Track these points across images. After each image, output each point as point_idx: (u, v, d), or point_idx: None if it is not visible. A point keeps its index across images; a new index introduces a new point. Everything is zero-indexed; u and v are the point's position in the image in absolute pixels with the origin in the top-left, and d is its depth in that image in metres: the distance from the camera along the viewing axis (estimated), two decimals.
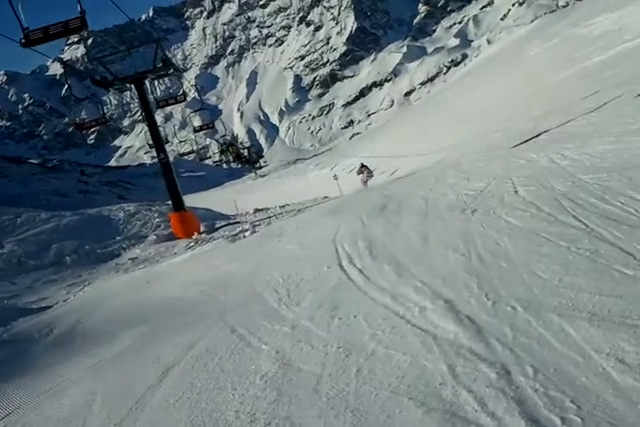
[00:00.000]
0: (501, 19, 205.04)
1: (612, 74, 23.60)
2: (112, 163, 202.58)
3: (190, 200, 18.00)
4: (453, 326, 3.50)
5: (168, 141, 23.40)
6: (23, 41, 9.08)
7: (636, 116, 8.97)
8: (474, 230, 5.59)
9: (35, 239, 14.50)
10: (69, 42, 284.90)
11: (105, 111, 17.16)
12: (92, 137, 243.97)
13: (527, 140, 11.80)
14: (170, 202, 16.57)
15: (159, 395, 3.94)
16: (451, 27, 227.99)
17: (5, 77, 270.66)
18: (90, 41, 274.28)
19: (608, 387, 2.46)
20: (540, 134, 11.99)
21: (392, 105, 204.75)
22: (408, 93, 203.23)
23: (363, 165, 19.47)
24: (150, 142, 16.68)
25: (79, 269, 12.34)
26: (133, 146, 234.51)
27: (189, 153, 40.04)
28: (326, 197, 18.08)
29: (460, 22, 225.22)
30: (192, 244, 12.28)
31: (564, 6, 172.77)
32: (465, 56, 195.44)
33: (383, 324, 3.93)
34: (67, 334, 6.85)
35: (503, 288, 3.89)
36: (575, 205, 5.37)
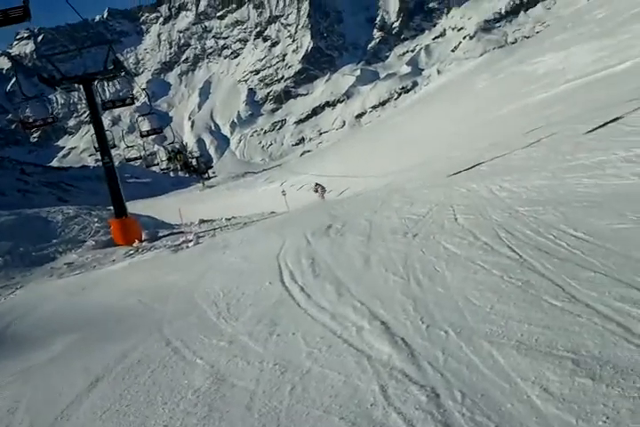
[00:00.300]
0: (452, 50, 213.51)
1: (554, 111, 24.80)
2: (54, 163, 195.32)
3: (134, 207, 17.62)
4: (388, 348, 3.58)
5: (115, 146, 22.87)
6: None
7: (574, 154, 9.47)
8: (414, 254, 5.75)
9: None
10: (19, 37, 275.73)
11: (53, 111, 16.63)
12: (35, 135, 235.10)
13: (469, 169, 12.25)
14: (112, 207, 16.14)
15: (86, 405, 3.83)
16: (403, 54, 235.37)
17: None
18: (40, 38, 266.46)
19: (532, 415, 2.57)
20: (481, 164, 12.47)
21: (343, 126, 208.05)
22: (359, 115, 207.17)
23: (317, 184, 21.13)
24: (96, 145, 16.26)
25: (12, 270, 11.77)
26: (78, 147, 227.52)
27: (136, 159, 39.14)
28: (273, 213, 18.07)
29: (412, 51, 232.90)
30: (132, 251, 11.99)
31: (513, 42, 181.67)
32: (415, 84, 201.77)
33: (320, 342, 3.98)
34: None
35: (438, 312, 4.02)
36: (511, 236, 5.61)
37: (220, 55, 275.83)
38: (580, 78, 37.26)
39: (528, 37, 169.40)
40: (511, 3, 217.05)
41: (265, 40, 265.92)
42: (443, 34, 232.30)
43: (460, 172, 12.18)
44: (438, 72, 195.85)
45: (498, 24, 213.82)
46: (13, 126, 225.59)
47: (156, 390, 3.81)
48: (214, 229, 14.21)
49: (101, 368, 4.50)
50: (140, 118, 20.63)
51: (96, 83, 16.21)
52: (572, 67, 47.15)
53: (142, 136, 19.92)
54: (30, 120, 15.57)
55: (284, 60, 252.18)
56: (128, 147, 34.56)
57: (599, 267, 4.18)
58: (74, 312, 7.18)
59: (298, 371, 3.59)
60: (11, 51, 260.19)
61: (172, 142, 46.13)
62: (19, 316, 7.48)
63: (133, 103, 17.55)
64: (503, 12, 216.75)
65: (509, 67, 70.00)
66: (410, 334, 3.75)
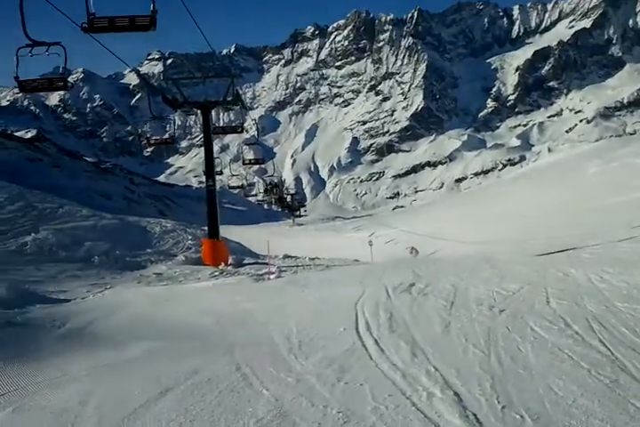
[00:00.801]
0: (567, 131, 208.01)
1: None
2: (161, 178, 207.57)
3: (225, 231, 18.30)
4: (458, 421, 3.48)
5: (221, 172, 24.09)
6: (85, 26, 8.58)
7: None
8: (498, 330, 5.57)
9: (70, 233, 14.90)
10: (150, 57, 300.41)
11: (174, 131, 17.88)
12: (149, 150, 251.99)
13: (568, 250, 11.76)
14: (206, 228, 16.90)
15: (153, 413, 3.97)
16: (515, 127, 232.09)
17: (83, 75, 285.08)
18: (169, 61, 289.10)
19: None
20: (581, 248, 11.94)
21: (441, 187, 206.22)
22: (459, 180, 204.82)
23: (413, 248, 24.14)
24: (204, 168, 17.23)
25: (104, 271, 12.57)
26: (185, 167, 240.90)
27: (237, 187, 40.74)
28: (357, 260, 18.13)
29: (524, 125, 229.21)
30: (217, 273, 12.43)
31: (632, 134, 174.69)
32: (523, 158, 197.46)
33: (388, 400, 3.92)
34: (77, 331, 6.97)
35: (516, 395, 3.86)
36: (604, 330, 5.32)
37: (331, 102, 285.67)
38: None
39: None
40: (635, 94, 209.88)
41: (377, 94, 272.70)
42: (559, 113, 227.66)
43: (559, 251, 11.72)
44: (549, 150, 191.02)
45: (618, 113, 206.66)
46: (131, 138, 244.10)
47: (221, 412, 3.90)
48: (297, 265, 14.45)
49: (172, 380, 4.67)
50: (245, 147, 21.76)
51: (213, 111, 17.24)
52: None
53: (244, 164, 20.73)
54: (153, 137, 16.85)
55: (392, 115, 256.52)
56: (233, 175, 36.07)
57: None
58: (154, 321, 7.52)
59: (361, 423, 3.56)
60: (140, 69, 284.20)
61: (272, 175, 47.78)
62: (102, 315, 7.92)
63: (242, 131, 18.62)
64: (625, 101, 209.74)
65: (624, 157, 67.34)
66: (483, 411, 3.61)
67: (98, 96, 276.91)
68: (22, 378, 5.04)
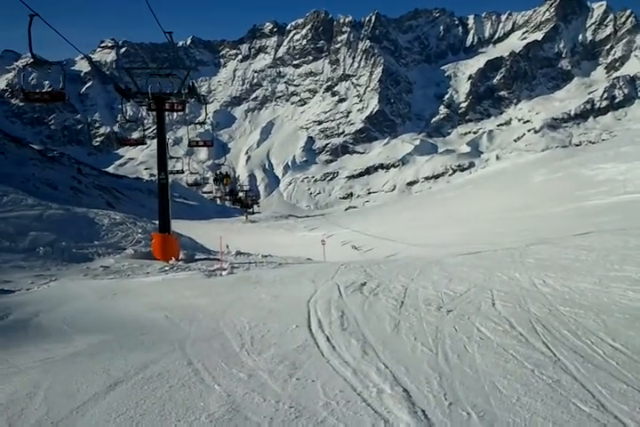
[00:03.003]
0: (515, 140, 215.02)
1: (607, 220, 24.56)
2: (110, 169, 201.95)
3: (176, 226, 18.01)
4: (407, 417, 3.58)
5: (183, 171, 23.65)
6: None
7: (622, 265, 9.37)
8: (445, 330, 5.74)
9: (15, 222, 14.33)
10: (103, 45, 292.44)
11: (145, 134, 17.54)
12: (98, 140, 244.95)
13: (512, 249, 12.16)
14: (157, 221, 16.61)
15: (102, 405, 3.92)
16: (465, 134, 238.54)
17: (32, 60, 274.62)
18: (122, 50, 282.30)
19: None
20: (525, 253, 12.38)
21: (393, 189, 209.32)
22: (411, 183, 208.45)
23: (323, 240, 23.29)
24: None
25: (50, 262, 12.18)
26: (136, 159, 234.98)
27: (195, 184, 39.79)
28: (309, 259, 18.19)
29: (474, 132, 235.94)
30: (167, 268, 12.24)
31: (577, 145, 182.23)
32: (472, 164, 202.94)
33: (339, 396, 4.00)
34: (22, 323, 6.75)
35: (463, 392, 4.00)
36: (547, 333, 5.56)
37: (287, 100, 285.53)
38: None
39: (593, 143, 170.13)
40: (582, 106, 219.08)
41: (333, 95, 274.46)
42: (508, 122, 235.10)
43: (511, 249, 12.11)
44: (497, 158, 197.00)
45: (565, 124, 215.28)
46: (79, 127, 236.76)
47: (172, 406, 3.88)
48: (250, 262, 14.39)
49: (122, 374, 4.61)
50: (191, 127, 21.26)
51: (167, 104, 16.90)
52: (633, 180, 46.90)
53: (190, 145, 19.63)
54: (126, 138, 16.75)
55: (347, 116, 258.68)
56: (192, 173, 35.09)
57: (633, 381, 4.12)
58: (101, 315, 7.37)
59: (312, 418, 3.62)
60: (92, 56, 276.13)
61: (223, 164, 46.48)
62: (47, 307, 7.70)
63: (212, 145, 18.80)
64: (572, 113, 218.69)
65: (569, 167, 70.08)
66: (431, 407, 3.74)
67: (47, 82, 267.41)
68: None
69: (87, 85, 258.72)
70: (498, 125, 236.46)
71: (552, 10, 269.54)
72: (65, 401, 4.03)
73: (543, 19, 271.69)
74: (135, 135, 17.22)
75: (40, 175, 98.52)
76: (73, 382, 4.49)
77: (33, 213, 15.71)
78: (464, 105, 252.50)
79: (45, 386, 4.40)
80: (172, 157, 34.89)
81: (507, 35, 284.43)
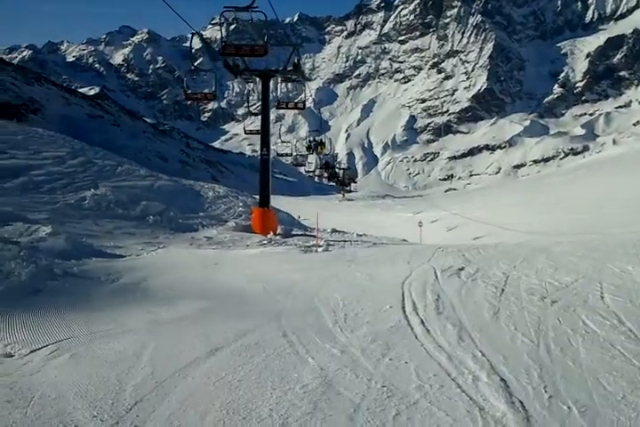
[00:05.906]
0: (634, 124, 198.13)
1: None
2: (216, 144, 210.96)
3: (275, 201, 18.47)
4: (504, 406, 3.46)
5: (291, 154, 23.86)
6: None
7: None
8: (549, 321, 5.46)
9: (128, 191, 15.31)
10: (214, 21, 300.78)
11: (216, 89, 17.53)
12: (206, 115, 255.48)
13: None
14: (257, 196, 17.09)
15: (203, 369, 4.13)
16: (580, 116, 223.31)
17: (147, 36, 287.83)
18: (232, 27, 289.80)
19: None
20: None
21: (498, 172, 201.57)
22: (517, 166, 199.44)
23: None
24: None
25: (158, 230, 12.93)
26: (240, 134, 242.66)
27: (287, 155, 40.66)
28: (405, 240, 18.01)
29: (590, 114, 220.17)
30: (265, 242, 12.60)
31: None
32: (586, 148, 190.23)
33: (433, 379, 3.93)
34: (131, 286, 7.25)
35: (564, 386, 3.79)
36: None
37: (390, 77, 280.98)
38: None
39: None
40: None
41: (439, 72, 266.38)
42: (628, 105, 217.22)
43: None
44: (614, 142, 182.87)
45: None
46: (189, 103, 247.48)
47: (268, 375, 4.01)
48: (345, 240, 14.48)
49: (222, 340, 4.82)
50: (302, 122, 21.12)
51: (272, 80, 17.07)
52: None
53: (279, 107, 19.00)
54: (194, 93, 17.03)
55: (453, 94, 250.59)
56: (283, 142, 36.27)
57: None
58: (204, 283, 7.74)
59: (405, 400, 3.59)
60: (204, 33, 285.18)
61: (318, 135, 45.41)
62: (155, 273, 8.19)
63: (304, 108, 18.36)
64: None
65: None
66: (530, 399, 3.58)
67: (160, 58, 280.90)
68: (78, 327, 5.29)
69: (198, 62, 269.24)
70: (616, 107, 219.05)
71: None
72: (168, 362, 4.27)
73: None
74: (206, 90, 17.31)
75: (152, 148, 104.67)
76: (176, 344, 4.76)
77: (144, 183, 16.70)
78: (580, 85, 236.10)
79: (151, 347, 4.68)
80: (283, 142, 35.97)
81: (630, 11, 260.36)
